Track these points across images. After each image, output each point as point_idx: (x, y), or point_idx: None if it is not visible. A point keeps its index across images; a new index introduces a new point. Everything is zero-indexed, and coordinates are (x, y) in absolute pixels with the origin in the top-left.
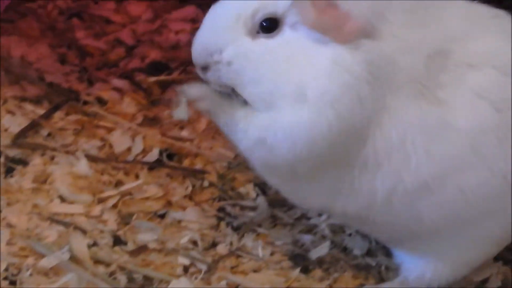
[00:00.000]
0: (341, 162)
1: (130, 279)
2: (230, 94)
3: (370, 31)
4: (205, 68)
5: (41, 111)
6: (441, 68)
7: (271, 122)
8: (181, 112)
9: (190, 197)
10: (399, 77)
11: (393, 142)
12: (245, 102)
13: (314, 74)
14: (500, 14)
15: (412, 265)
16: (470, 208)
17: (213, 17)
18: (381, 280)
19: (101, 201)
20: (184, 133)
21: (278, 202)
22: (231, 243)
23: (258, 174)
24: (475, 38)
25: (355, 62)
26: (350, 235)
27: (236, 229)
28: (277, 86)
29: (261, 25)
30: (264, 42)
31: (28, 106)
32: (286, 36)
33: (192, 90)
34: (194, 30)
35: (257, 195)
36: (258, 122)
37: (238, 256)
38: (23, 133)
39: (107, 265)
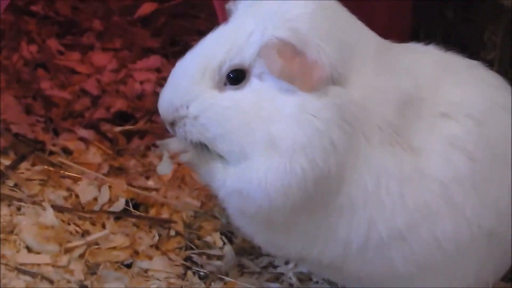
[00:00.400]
0: (317, 209)
1: None
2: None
3: (338, 79)
4: (172, 123)
5: (7, 161)
6: (414, 116)
7: (246, 172)
8: (164, 167)
9: (156, 246)
10: (371, 123)
11: (368, 189)
12: None
13: (283, 123)
14: (474, 64)
15: None
16: (444, 255)
17: (178, 72)
18: None
19: (68, 251)
20: (150, 183)
21: (245, 251)
22: None
23: (235, 223)
24: (449, 87)
25: (324, 108)
26: (317, 282)
27: (203, 278)
28: (247, 138)
29: (228, 77)
30: (232, 94)
31: None
32: (253, 86)
33: (173, 144)
34: (159, 79)
35: (224, 243)
36: (234, 173)
37: None
38: None
39: None
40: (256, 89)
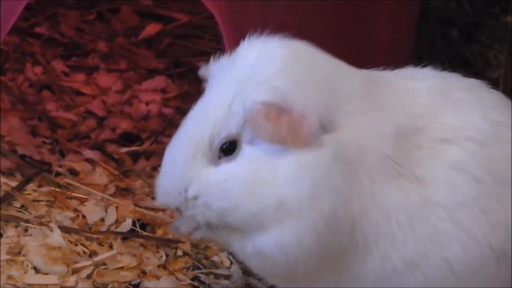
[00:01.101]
0: (335, 256)
1: None
2: None
3: (328, 126)
4: (178, 209)
5: (13, 183)
6: (414, 146)
7: (261, 238)
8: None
9: (164, 266)
10: (370, 161)
11: (380, 225)
12: None
13: (285, 183)
14: (473, 84)
15: None
16: (456, 278)
17: (170, 159)
18: None
19: (75, 271)
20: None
21: (251, 270)
22: None
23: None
24: (448, 112)
25: (321, 159)
26: None
27: None
28: (254, 207)
29: (221, 150)
30: (227, 167)
31: (1, 179)
32: (246, 153)
33: (183, 225)
34: (164, 100)
35: (231, 263)
36: (250, 240)
37: None
38: None
39: None
40: (250, 155)
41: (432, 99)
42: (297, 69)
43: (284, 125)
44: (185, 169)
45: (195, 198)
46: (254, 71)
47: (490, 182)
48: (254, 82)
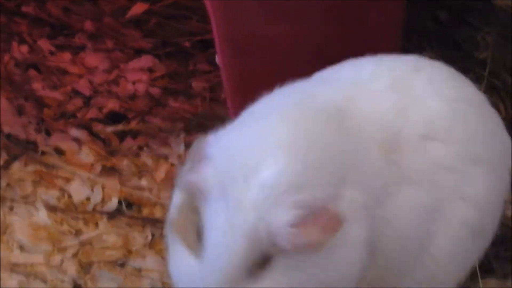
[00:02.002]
0: None
1: None
2: None
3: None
4: None
5: None
6: (400, 153)
7: None
8: None
9: (150, 245)
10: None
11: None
12: None
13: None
14: (417, 64)
15: None
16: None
17: None
18: None
19: (61, 250)
20: (143, 183)
21: None
22: None
23: None
24: (412, 106)
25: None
26: None
27: None
28: None
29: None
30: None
31: None
32: (280, 263)
33: None
34: (151, 80)
35: None
36: None
37: None
38: None
39: None
40: (287, 267)
41: (393, 98)
42: (304, 165)
43: (314, 232)
44: None
45: None
46: (267, 183)
47: (464, 168)
48: (270, 201)
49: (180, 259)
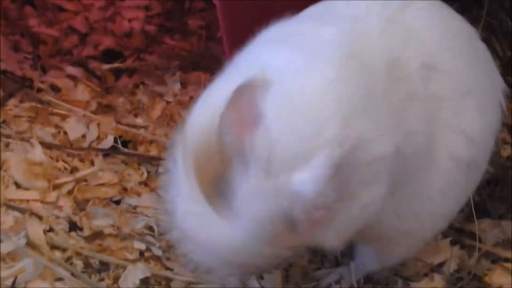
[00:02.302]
0: None
1: (87, 264)
2: None
3: None
4: None
5: None
6: (402, 74)
7: None
8: None
9: (145, 183)
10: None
11: None
12: None
13: None
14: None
15: (368, 249)
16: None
17: None
18: (337, 264)
19: (57, 187)
20: (139, 120)
21: None
22: None
23: None
24: (410, 37)
25: None
26: None
27: None
28: None
29: None
30: None
31: None
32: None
33: None
34: (147, 17)
35: None
36: None
37: None
38: None
39: (63, 250)
40: None
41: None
42: None
43: None
44: None
45: None
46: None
47: (456, 99)
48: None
49: (199, 217)
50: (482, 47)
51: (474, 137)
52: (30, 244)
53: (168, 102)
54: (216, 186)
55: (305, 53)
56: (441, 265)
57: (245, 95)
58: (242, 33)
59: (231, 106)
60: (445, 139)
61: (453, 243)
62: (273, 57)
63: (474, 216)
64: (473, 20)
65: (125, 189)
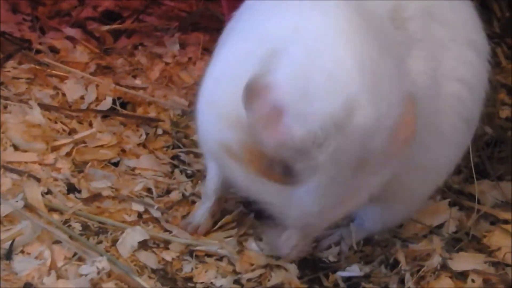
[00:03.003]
0: None
1: (85, 227)
2: None
3: None
4: None
5: None
6: (405, 21)
7: None
8: None
9: (144, 145)
10: None
11: None
12: None
13: None
14: None
15: (370, 209)
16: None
17: None
18: (337, 226)
19: (55, 149)
20: (138, 82)
21: None
22: (185, 190)
23: None
24: None
25: None
26: None
27: (190, 176)
28: None
29: None
30: None
31: None
32: None
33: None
34: None
35: None
36: None
37: (193, 203)
38: None
39: (61, 213)
40: None
41: None
42: None
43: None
44: None
45: None
46: None
47: (459, 49)
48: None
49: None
50: (472, 8)
51: (475, 86)
52: (28, 207)
53: (167, 63)
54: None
55: (310, 16)
56: (440, 226)
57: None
58: None
59: (251, 113)
60: (447, 85)
61: (452, 204)
62: (279, 25)
63: (475, 177)
64: None
65: (123, 151)
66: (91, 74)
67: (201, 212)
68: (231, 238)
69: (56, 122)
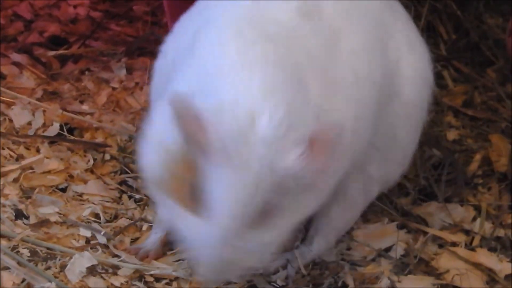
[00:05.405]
0: None
1: (33, 253)
2: None
3: None
4: None
5: None
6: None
7: None
8: None
9: (91, 170)
10: None
11: None
12: None
13: None
14: None
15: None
16: None
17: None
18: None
19: (2, 175)
20: (85, 107)
21: None
22: (133, 215)
23: None
24: None
25: None
26: None
27: (138, 201)
28: None
29: None
30: None
31: None
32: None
33: None
34: (92, 3)
35: None
36: None
37: (141, 228)
38: None
39: (9, 239)
40: (285, 205)
41: None
42: None
43: (323, 151)
44: None
45: None
46: None
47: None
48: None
49: (181, 219)
50: None
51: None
52: None
53: (114, 88)
54: (191, 194)
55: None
56: (388, 249)
57: (181, 103)
58: None
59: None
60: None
61: (399, 227)
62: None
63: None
64: (417, 3)
65: (71, 176)
66: (38, 99)
67: (152, 240)
68: (181, 261)
69: (3, 148)
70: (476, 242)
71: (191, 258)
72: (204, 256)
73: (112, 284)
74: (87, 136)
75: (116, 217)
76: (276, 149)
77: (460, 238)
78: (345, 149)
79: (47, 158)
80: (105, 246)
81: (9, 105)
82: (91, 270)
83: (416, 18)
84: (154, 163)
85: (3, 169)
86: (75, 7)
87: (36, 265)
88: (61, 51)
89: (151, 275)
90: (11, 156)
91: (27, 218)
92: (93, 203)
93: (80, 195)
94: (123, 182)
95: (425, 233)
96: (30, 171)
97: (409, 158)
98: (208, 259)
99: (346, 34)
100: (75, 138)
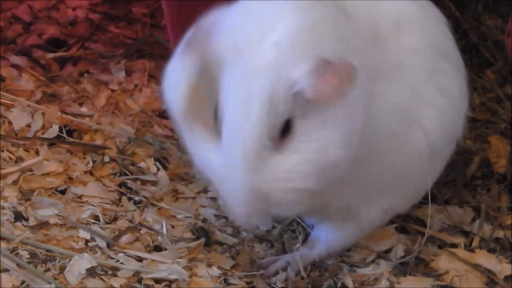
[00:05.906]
0: None
1: (33, 255)
2: None
3: None
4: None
5: None
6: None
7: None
8: None
9: (91, 172)
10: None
11: None
12: None
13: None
14: None
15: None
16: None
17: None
18: (284, 251)
19: (2, 177)
20: (84, 109)
21: (179, 176)
22: (132, 217)
23: None
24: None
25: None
26: None
27: (137, 203)
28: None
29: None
30: (293, 149)
31: None
32: (305, 128)
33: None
34: (91, 5)
35: (158, 169)
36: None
37: (140, 230)
38: None
39: (9, 241)
40: (308, 129)
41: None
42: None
43: (334, 79)
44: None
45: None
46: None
47: (436, 58)
48: (286, 57)
49: (200, 148)
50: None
51: (457, 100)
52: None
53: (113, 91)
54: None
55: None
56: (387, 251)
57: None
58: (186, 20)
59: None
60: (431, 97)
61: (399, 229)
62: None
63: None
64: None
65: (70, 178)
66: (37, 102)
67: None
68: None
69: (2, 151)
70: (475, 243)
71: (223, 198)
72: (233, 186)
73: (111, 285)
74: (86, 138)
75: (115, 219)
76: (290, 58)
77: (460, 239)
78: (357, 96)
79: (46, 160)
80: (104, 248)
81: (8, 107)
82: (91, 272)
83: None
84: (179, 91)
85: (3, 172)
86: (74, 9)
87: (36, 267)
88: (60, 53)
89: (151, 277)
90: (10, 158)
91: (26, 220)
92: (92, 205)
93: (80, 197)
94: (122, 184)
95: (424, 234)
96: (30, 173)
97: (421, 194)
98: (236, 188)
99: None
100: (74, 140)
